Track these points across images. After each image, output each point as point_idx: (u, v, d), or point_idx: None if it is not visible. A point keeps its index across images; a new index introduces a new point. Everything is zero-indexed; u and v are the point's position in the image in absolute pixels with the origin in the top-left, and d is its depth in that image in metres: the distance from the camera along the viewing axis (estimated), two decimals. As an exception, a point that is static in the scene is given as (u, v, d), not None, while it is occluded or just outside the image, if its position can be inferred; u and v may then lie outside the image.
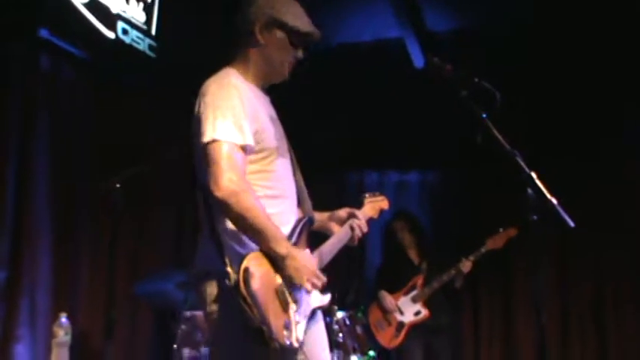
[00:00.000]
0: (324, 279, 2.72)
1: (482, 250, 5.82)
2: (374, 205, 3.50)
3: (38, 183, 4.68)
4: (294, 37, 2.85)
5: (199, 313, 4.75)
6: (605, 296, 6.85)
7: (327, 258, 2.98)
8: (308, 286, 2.65)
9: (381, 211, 3.56)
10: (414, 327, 5.81)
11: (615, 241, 6.75)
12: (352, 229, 3.11)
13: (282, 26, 2.83)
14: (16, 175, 4.50)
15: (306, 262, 2.65)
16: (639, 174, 6.74)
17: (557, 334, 6.80)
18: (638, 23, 5.95)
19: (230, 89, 2.70)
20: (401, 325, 5.81)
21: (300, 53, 2.90)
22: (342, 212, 3.18)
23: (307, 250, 2.81)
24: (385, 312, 5.85)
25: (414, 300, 5.85)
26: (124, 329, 5.12)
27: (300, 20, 2.87)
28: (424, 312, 5.81)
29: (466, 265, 5.78)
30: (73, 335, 4.25)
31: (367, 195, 3.55)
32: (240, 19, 2.88)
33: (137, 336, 5.39)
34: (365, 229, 3.14)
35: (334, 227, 3.17)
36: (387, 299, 5.86)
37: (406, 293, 5.88)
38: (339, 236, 3.08)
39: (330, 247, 2.99)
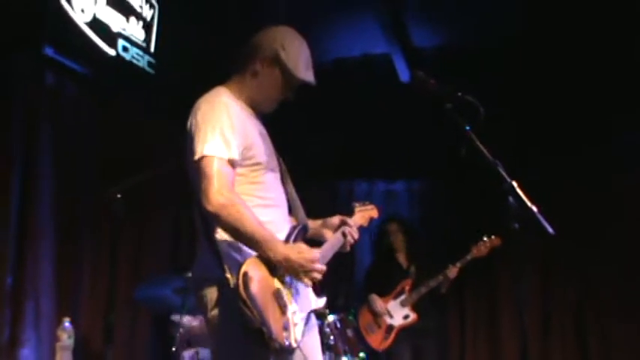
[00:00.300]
0: (324, 268, 2.74)
1: (468, 257, 5.86)
2: (364, 213, 3.53)
3: (42, 192, 4.71)
4: (291, 82, 2.91)
5: (195, 320, 4.79)
6: (586, 304, 6.92)
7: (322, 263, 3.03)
8: (308, 282, 2.69)
9: (371, 220, 3.59)
10: (403, 330, 5.85)
11: (599, 251, 6.80)
12: (344, 235, 3.12)
13: (283, 69, 2.88)
14: (20, 185, 4.53)
15: (304, 255, 2.66)
16: (624, 185, 6.78)
17: (539, 340, 6.84)
18: (624, 36, 5.99)
19: (220, 107, 2.75)
20: (390, 328, 5.85)
21: (290, 95, 2.96)
22: (335, 219, 3.19)
23: (302, 243, 2.81)
24: (375, 315, 5.88)
25: (403, 304, 5.88)
26: (124, 333, 5.14)
27: (301, 68, 2.91)
28: (412, 316, 5.86)
29: (452, 272, 5.82)
30: (75, 339, 4.27)
31: (357, 204, 3.58)
32: (249, 42, 2.94)
33: (137, 339, 5.40)
34: (356, 235, 3.15)
35: (327, 234, 3.18)
36: (377, 303, 5.89)
37: (395, 297, 5.92)
38: (332, 242, 3.09)
39: (323, 253, 2.99)
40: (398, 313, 5.87)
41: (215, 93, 2.84)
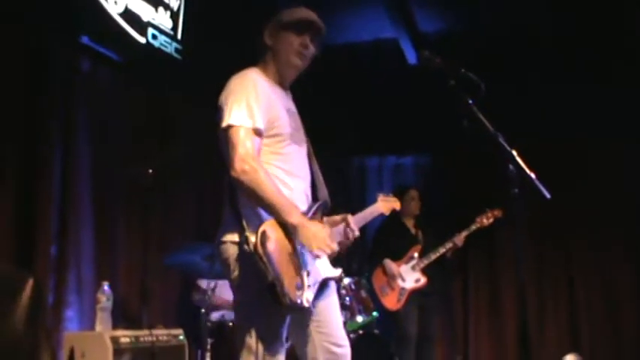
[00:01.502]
0: (335, 247, 2.70)
1: (473, 227, 5.88)
2: (386, 203, 3.57)
3: (80, 169, 4.74)
4: (293, 27, 2.85)
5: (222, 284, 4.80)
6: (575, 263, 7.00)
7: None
8: (318, 252, 2.64)
9: (393, 210, 3.65)
10: (413, 293, 5.85)
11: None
12: (345, 233, 3.00)
13: (282, 26, 2.86)
14: (61, 163, 4.55)
15: (317, 231, 2.64)
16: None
17: (535, 295, 6.91)
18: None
19: (247, 81, 2.74)
20: (403, 290, 5.83)
21: (306, 40, 2.86)
22: (337, 217, 3.06)
23: (318, 221, 2.79)
24: (389, 278, 5.88)
25: (414, 268, 5.86)
26: (157, 295, 5.17)
27: (294, 14, 2.88)
28: (423, 279, 5.84)
29: (459, 239, 5.85)
30: (114, 301, 4.29)
31: (381, 194, 3.64)
32: (259, 34, 2.92)
33: (169, 301, 5.44)
34: (357, 233, 3.01)
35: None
36: (392, 266, 5.88)
37: (407, 262, 5.91)
38: (331, 233, 2.92)
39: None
40: (410, 277, 5.86)
41: (246, 71, 2.83)
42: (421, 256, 5.90)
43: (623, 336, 6.66)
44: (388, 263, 5.90)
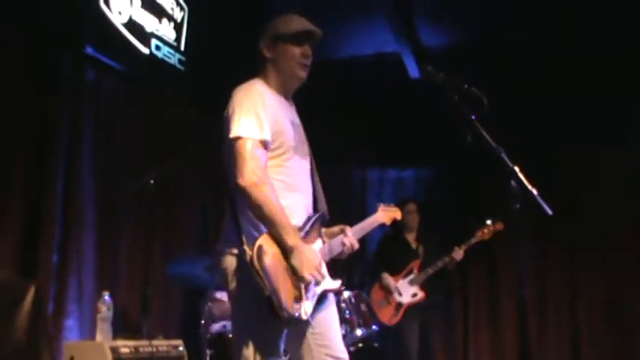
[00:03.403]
0: (325, 276, 2.72)
1: (472, 240, 5.83)
2: (387, 213, 3.51)
3: (84, 179, 4.76)
4: (291, 39, 2.84)
5: (222, 295, 4.80)
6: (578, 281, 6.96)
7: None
8: (308, 278, 2.61)
9: (394, 220, 3.58)
10: (411, 306, 5.84)
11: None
12: (343, 244, 2.97)
13: (279, 38, 2.84)
14: (65, 171, 4.57)
15: (311, 256, 2.63)
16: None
17: (535, 312, 6.88)
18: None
19: (255, 93, 2.74)
20: (399, 305, 5.82)
21: (306, 50, 2.86)
22: (335, 228, 3.03)
23: (312, 246, 2.76)
24: (386, 292, 5.88)
25: (411, 283, 5.84)
26: (158, 306, 5.15)
27: (291, 25, 2.86)
28: (420, 294, 5.82)
29: (458, 254, 5.79)
30: (114, 311, 4.30)
31: (382, 205, 3.57)
32: (255, 46, 2.91)
33: (170, 312, 5.43)
34: (356, 246, 2.99)
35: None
36: (389, 281, 5.88)
37: (405, 276, 5.89)
38: (330, 245, 2.94)
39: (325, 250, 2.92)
40: (407, 292, 5.84)
41: (251, 82, 2.83)
42: (420, 270, 5.88)
43: (625, 352, 6.62)
44: (385, 277, 5.89)
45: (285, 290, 2.53)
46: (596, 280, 6.89)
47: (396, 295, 5.83)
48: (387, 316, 5.79)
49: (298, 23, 2.88)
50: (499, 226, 5.81)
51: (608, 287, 6.84)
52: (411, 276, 5.87)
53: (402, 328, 5.80)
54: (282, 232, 2.57)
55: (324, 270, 2.73)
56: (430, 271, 5.81)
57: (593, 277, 6.91)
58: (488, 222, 5.84)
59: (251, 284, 2.49)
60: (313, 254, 2.67)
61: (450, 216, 7.14)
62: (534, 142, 6.49)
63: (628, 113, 6.45)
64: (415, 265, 5.92)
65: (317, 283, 2.69)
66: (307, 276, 2.60)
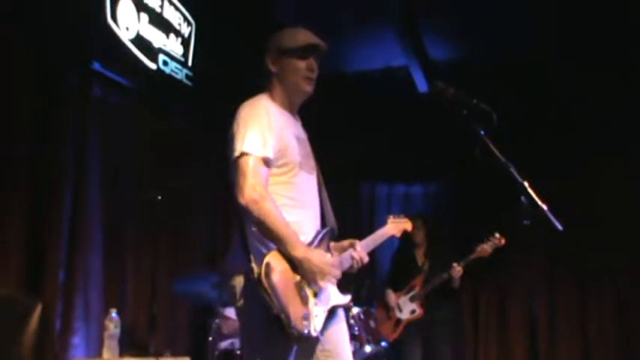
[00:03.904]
0: (339, 273, 2.73)
1: (471, 256, 5.65)
2: (397, 225, 3.51)
3: (91, 195, 4.75)
4: (296, 53, 2.84)
5: (231, 312, 4.79)
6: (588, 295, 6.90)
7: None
8: (322, 284, 2.66)
9: (404, 232, 3.56)
10: (413, 324, 5.78)
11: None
12: (352, 258, 2.96)
13: (284, 52, 2.84)
14: (72, 188, 4.56)
15: (321, 261, 2.65)
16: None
17: (546, 330, 6.82)
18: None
19: (260, 109, 2.75)
20: (398, 321, 5.77)
21: (312, 64, 2.86)
22: (345, 243, 3.04)
23: (322, 250, 2.78)
24: (387, 308, 5.85)
25: (412, 300, 5.77)
26: (165, 323, 5.15)
27: (296, 39, 2.86)
28: (418, 311, 5.73)
29: (457, 271, 5.63)
30: (121, 328, 4.30)
31: (392, 216, 3.57)
32: (260, 61, 2.92)
33: (177, 329, 5.42)
34: (365, 259, 2.99)
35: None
36: (390, 297, 5.85)
37: (406, 293, 5.84)
38: (339, 259, 2.93)
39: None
40: (406, 308, 5.80)
41: (257, 98, 2.84)
42: (421, 287, 5.82)
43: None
44: (388, 294, 5.87)
45: (294, 307, 2.53)
46: (606, 299, 6.84)
47: (396, 311, 5.80)
48: (387, 331, 5.76)
49: (303, 36, 2.88)
50: (499, 240, 5.61)
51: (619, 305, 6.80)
52: (412, 292, 5.82)
53: (402, 344, 5.76)
54: (288, 246, 2.58)
55: (338, 271, 2.73)
56: (429, 287, 5.73)
57: (604, 295, 6.85)
58: (489, 237, 5.65)
59: (259, 302, 2.49)
60: (322, 257, 2.68)
61: (458, 231, 7.10)
62: (544, 156, 6.48)
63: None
64: (418, 281, 5.84)
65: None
66: (323, 282, 2.65)
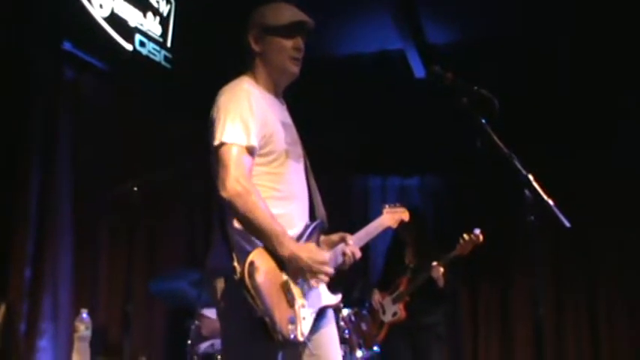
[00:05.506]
0: (331, 271, 2.65)
1: (450, 255, 5.51)
2: (393, 215, 3.46)
3: (61, 185, 4.71)
4: (282, 31, 2.79)
5: (211, 313, 4.76)
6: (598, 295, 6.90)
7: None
8: (313, 282, 2.62)
9: (401, 222, 3.50)
10: (401, 329, 5.72)
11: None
12: (344, 254, 2.90)
13: (268, 30, 2.80)
14: (40, 178, 4.52)
15: (311, 258, 2.58)
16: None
17: (552, 331, 6.82)
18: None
19: (241, 94, 2.69)
20: (381, 323, 5.75)
21: (298, 42, 2.82)
22: (334, 237, 2.97)
23: (313, 244, 2.74)
24: (372, 310, 5.82)
25: (394, 301, 5.70)
26: (141, 324, 5.13)
27: (281, 15, 2.81)
28: (400, 313, 5.64)
29: (436, 270, 5.50)
30: (93, 330, 4.27)
31: (387, 205, 3.51)
32: (242, 39, 2.87)
33: (153, 331, 5.41)
34: (358, 255, 2.92)
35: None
36: (375, 298, 5.81)
37: (391, 293, 5.78)
38: (330, 255, 2.87)
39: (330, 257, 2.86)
40: (389, 310, 5.74)
41: (237, 81, 2.79)
42: (406, 287, 5.75)
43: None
44: (374, 294, 5.83)
45: (279, 310, 2.48)
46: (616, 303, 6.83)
47: (380, 312, 5.76)
48: (372, 333, 5.71)
49: (289, 12, 2.83)
50: (476, 238, 5.43)
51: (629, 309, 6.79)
52: (396, 293, 5.76)
53: (389, 348, 5.71)
54: (275, 242, 2.52)
55: (330, 269, 2.65)
56: (411, 288, 5.64)
57: (613, 296, 6.85)
58: (465, 235, 5.47)
59: (242, 305, 2.43)
60: (312, 253, 2.61)
61: (457, 228, 7.06)
62: (549, 147, 6.46)
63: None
64: (403, 281, 5.77)
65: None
66: (314, 281, 2.61)
